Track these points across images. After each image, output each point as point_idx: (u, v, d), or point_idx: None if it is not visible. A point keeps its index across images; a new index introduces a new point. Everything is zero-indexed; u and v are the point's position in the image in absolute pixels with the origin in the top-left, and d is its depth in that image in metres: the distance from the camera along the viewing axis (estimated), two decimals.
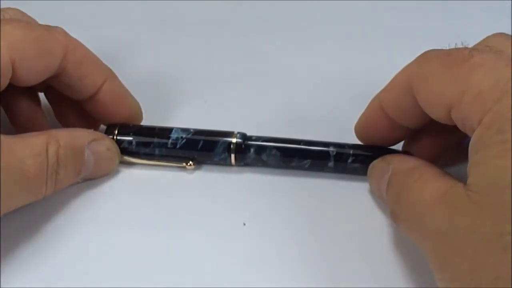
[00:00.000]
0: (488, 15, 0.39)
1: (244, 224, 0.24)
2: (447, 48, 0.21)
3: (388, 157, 0.24)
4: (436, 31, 0.37)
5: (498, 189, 0.17)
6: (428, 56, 0.22)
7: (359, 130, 0.26)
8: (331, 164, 0.26)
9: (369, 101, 0.25)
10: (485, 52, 0.20)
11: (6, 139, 0.22)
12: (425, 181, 0.20)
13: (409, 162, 0.23)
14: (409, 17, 0.40)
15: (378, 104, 0.24)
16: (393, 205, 0.22)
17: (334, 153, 0.26)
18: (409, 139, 0.26)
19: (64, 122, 0.28)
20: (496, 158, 0.17)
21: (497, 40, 0.22)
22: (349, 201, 0.26)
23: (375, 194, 0.25)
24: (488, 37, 0.22)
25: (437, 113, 0.21)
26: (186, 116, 0.31)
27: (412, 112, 0.23)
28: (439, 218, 0.19)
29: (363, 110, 0.26)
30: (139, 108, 0.28)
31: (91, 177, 0.26)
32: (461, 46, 0.21)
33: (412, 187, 0.21)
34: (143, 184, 0.27)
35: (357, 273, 0.22)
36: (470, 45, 0.21)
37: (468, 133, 0.19)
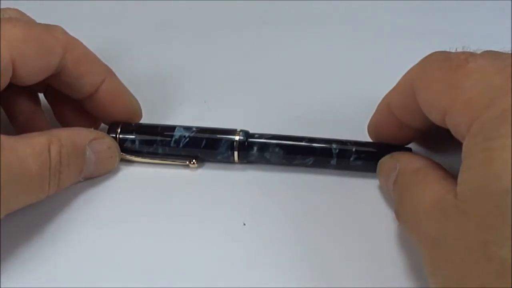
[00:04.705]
0: (488, 15, 0.39)
1: (244, 224, 0.24)
2: (450, 50, 0.21)
3: (396, 155, 0.24)
4: (436, 31, 0.37)
5: (481, 197, 0.17)
6: (429, 59, 0.22)
7: (371, 129, 0.26)
8: (333, 161, 0.26)
9: (370, 99, 0.25)
10: (481, 57, 0.20)
11: (7, 139, 0.21)
12: (426, 184, 0.20)
13: (415, 162, 0.23)
14: (409, 17, 0.40)
15: (386, 104, 0.24)
16: (397, 205, 0.22)
17: (337, 150, 0.26)
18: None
19: (63, 122, 0.28)
20: (480, 166, 0.17)
21: None
22: (351, 198, 0.25)
23: (384, 190, 0.25)
24: None
25: (434, 118, 0.21)
26: (185, 115, 0.31)
27: (417, 113, 0.22)
28: (431, 224, 0.19)
29: (364, 108, 0.26)
30: (139, 106, 0.28)
31: (92, 176, 0.26)
32: (460, 50, 0.21)
33: (414, 189, 0.21)
34: (144, 182, 0.26)
35: (359, 272, 0.22)
36: (472, 47, 0.21)
37: (460, 139, 0.19)
